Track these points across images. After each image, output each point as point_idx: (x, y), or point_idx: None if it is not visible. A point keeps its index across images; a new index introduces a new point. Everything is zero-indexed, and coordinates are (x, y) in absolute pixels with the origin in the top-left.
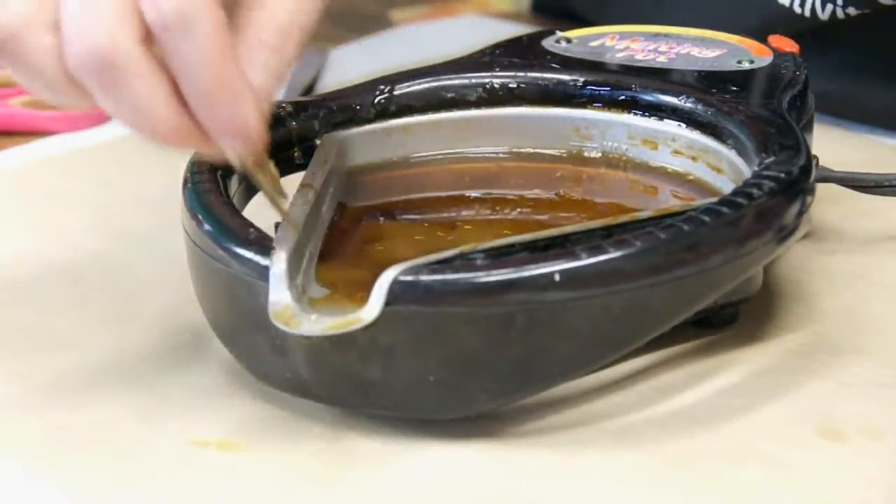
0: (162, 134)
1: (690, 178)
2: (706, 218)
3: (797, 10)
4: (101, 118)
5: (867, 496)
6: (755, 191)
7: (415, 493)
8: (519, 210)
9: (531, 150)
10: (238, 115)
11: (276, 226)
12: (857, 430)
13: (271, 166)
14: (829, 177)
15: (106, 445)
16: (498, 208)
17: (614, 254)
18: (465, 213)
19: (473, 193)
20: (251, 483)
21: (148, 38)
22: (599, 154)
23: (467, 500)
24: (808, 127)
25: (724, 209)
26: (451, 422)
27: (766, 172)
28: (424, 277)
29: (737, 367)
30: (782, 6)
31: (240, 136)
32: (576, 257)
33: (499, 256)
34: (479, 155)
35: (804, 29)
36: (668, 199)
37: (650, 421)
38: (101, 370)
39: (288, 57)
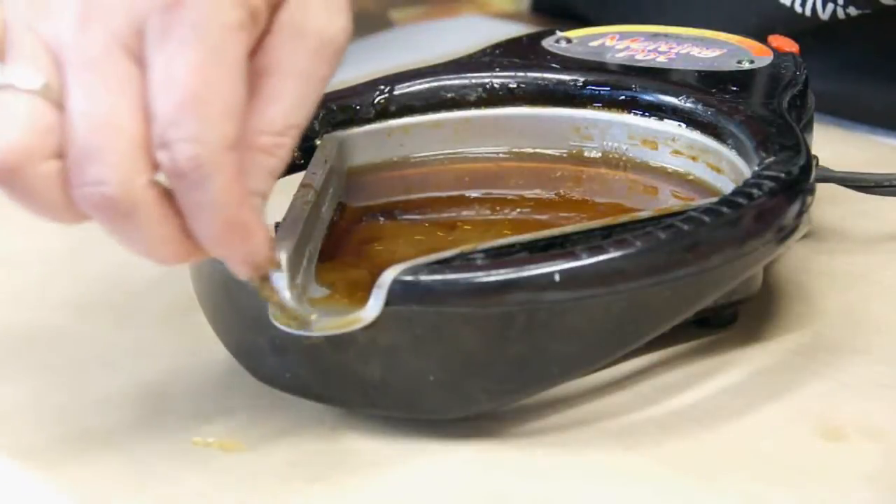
0: (167, 262)
1: (690, 178)
2: (706, 218)
3: (798, 9)
4: None
5: (867, 496)
6: (755, 191)
7: (415, 493)
8: (519, 210)
9: (531, 150)
10: (248, 252)
11: (276, 226)
12: (857, 430)
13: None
14: (829, 177)
15: (106, 445)
16: (498, 208)
17: (614, 254)
18: (465, 213)
19: (473, 193)
20: (252, 483)
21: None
22: (599, 154)
23: (467, 500)
24: (808, 127)
25: (724, 209)
26: (451, 422)
27: (766, 172)
28: (424, 277)
29: (737, 367)
30: (783, 5)
31: (248, 267)
32: (576, 257)
33: (499, 256)
34: (479, 155)
35: (805, 28)
36: (668, 199)
37: (650, 421)
38: (101, 370)
39: (285, 153)
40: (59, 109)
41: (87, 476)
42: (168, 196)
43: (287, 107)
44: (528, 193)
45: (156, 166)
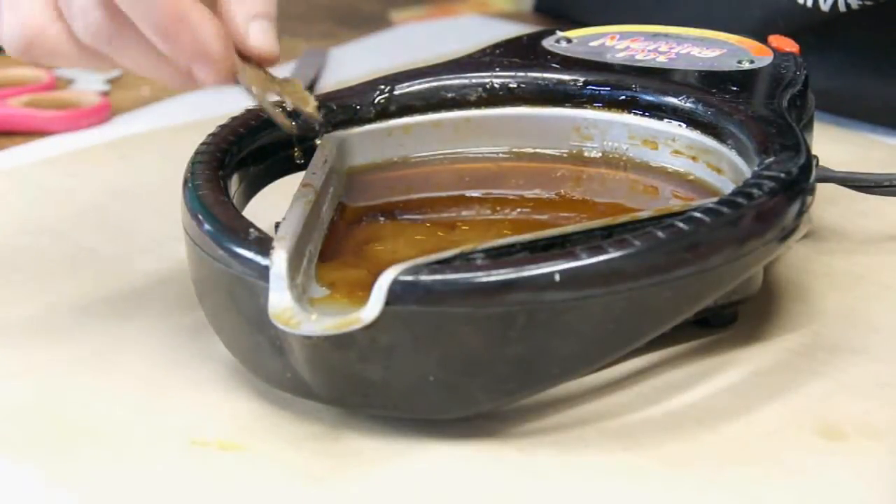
0: (170, 82)
1: (690, 178)
2: (706, 218)
3: (800, 1)
4: (101, 118)
5: (867, 496)
6: (755, 191)
7: (415, 493)
8: (519, 210)
9: (531, 150)
10: (200, 43)
11: (276, 226)
12: (857, 430)
13: (265, 77)
14: (829, 177)
15: (106, 445)
16: (498, 208)
17: (614, 254)
18: (465, 213)
19: (473, 193)
20: (251, 483)
21: None
22: (599, 154)
23: (467, 500)
24: (809, 127)
25: (725, 209)
26: (451, 422)
27: (766, 172)
28: (424, 277)
29: (737, 367)
30: None
31: (207, 60)
32: (576, 257)
33: (499, 256)
34: (480, 155)
35: (806, 22)
36: (668, 199)
37: (650, 421)
38: (100, 370)
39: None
40: None
41: (87, 475)
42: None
43: None
44: (528, 193)
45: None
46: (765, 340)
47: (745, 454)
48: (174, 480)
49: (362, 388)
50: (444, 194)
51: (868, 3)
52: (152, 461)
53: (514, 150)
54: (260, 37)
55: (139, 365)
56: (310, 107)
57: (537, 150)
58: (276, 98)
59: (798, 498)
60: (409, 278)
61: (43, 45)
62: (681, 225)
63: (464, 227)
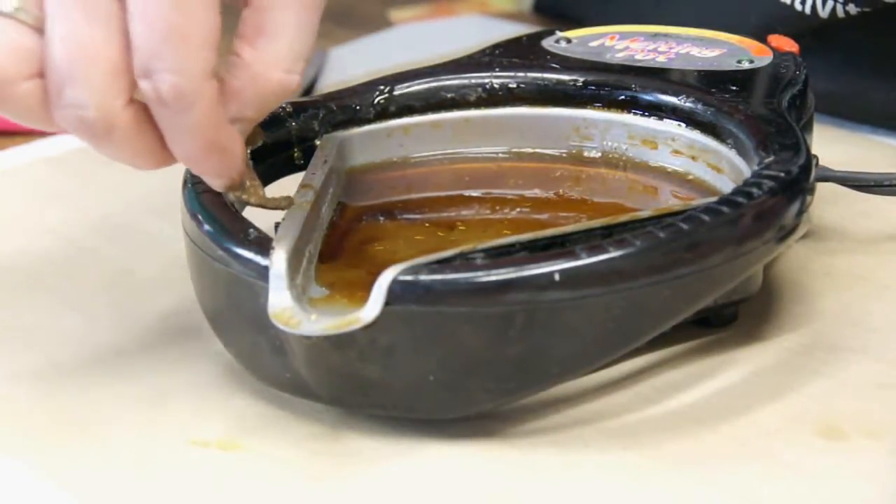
0: (141, 167)
1: (690, 177)
2: (706, 217)
3: (798, 7)
4: None
5: (867, 496)
6: (755, 190)
7: (415, 493)
8: (518, 210)
9: (531, 150)
10: (224, 168)
11: (276, 226)
12: (857, 430)
13: (250, 182)
14: (829, 176)
15: (106, 445)
16: (497, 208)
17: (614, 253)
18: (464, 212)
19: (473, 193)
20: (251, 483)
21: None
22: (599, 154)
23: (467, 500)
24: (808, 126)
25: (724, 208)
26: (451, 422)
27: (766, 172)
28: (424, 277)
29: (737, 367)
30: (783, 4)
31: (224, 181)
32: (576, 257)
33: (499, 256)
34: (479, 155)
35: (804, 27)
36: (668, 199)
37: (650, 421)
38: (100, 370)
39: (292, 93)
40: (37, 33)
41: (87, 475)
42: (145, 111)
43: (291, 39)
44: (527, 193)
45: (133, 89)
46: (765, 340)
47: (745, 454)
48: (174, 480)
49: (362, 387)
50: (443, 194)
51: (866, 9)
52: (152, 461)
53: (514, 150)
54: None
55: (139, 365)
56: (263, 199)
57: (537, 150)
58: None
59: (798, 498)
60: (409, 278)
61: (3, 100)
62: (681, 224)
63: (463, 227)
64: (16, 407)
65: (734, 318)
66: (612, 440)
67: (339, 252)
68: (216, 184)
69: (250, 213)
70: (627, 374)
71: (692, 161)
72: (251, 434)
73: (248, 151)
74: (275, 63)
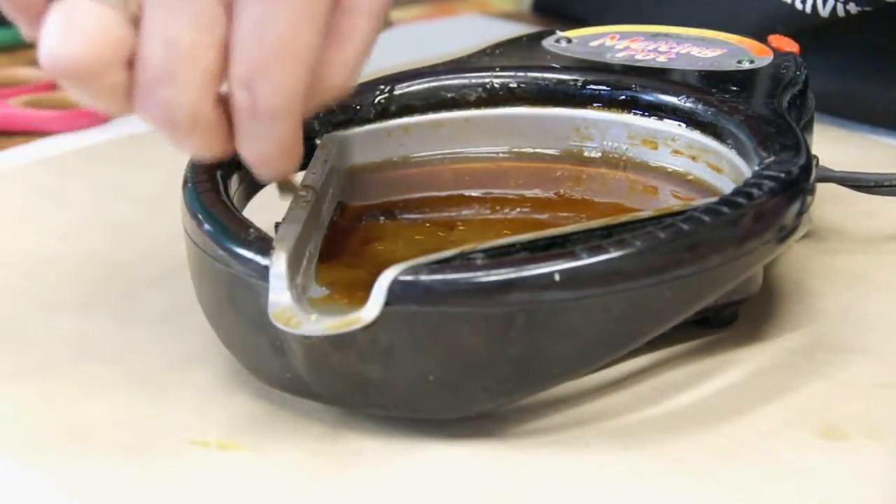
0: (195, 153)
1: (690, 177)
2: (706, 218)
3: (798, 6)
4: (101, 118)
5: (867, 496)
6: (755, 190)
7: (415, 493)
8: (518, 209)
9: (531, 150)
10: (283, 171)
11: (276, 226)
12: (857, 430)
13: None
14: (829, 177)
15: (106, 445)
16: (498, 208)
17: (614, 254)
18: (465, 212)
19: (473, 193)
20: (251, 483)
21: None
22: (599, 154)
23: (467, 500)
24: (809, 127)
25: (725, 209)
26: (451, 422)
27: (766, 172)
28: (424, 277)
29: (737, 367)
30: (783, 3)
31: (270, 171)
32: (576, 257)
33: (499, 256)
34: (480, 155)
35: (805, 26)
36: (668, 199)
37: (650, 421)
38: (100, 370)
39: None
40: (130, 24)
41: (87, 475)
42: (227, 109)
43: (360, 44)
44: (528, 193)
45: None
46: (765, 340)
47: (745, 454)
48: (174, 481)
49: (362, 387)
50: (443, 194)
51: (867, 8)
52: (152, 461)
53: (514, 149)
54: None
55: (139, 365)
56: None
57: (537, 150)
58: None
59: (798, 498)
60: (409, 278)
61: (91, 87)
62: (681, 225)
63: (463, 227)
64: (16, 407)
65: (734, 319)
66: (611, 440)
67: (339, 252)
68: (268, 177)
69: (250, 213)
70: (627, 374)
71: (692, 161)
72: (251, 434)
73: None
74: (342, 62)
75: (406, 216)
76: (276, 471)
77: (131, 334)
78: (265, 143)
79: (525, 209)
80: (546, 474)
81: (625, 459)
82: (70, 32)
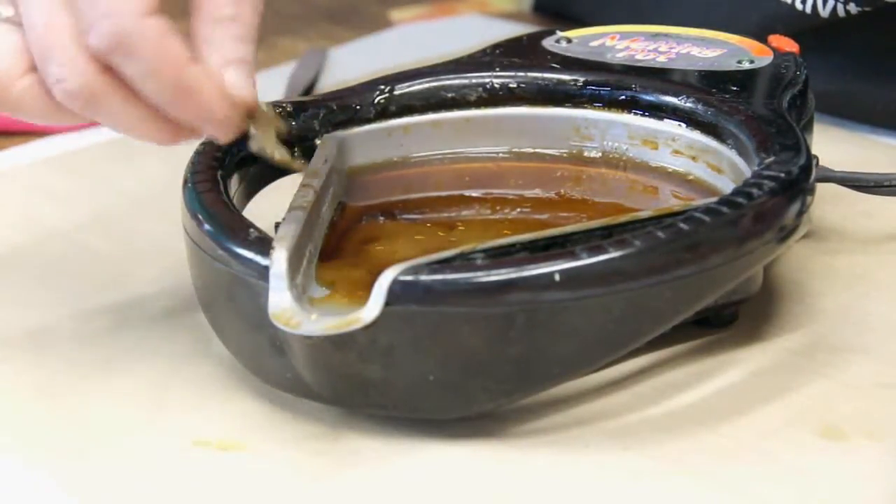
0: (155, 139)
1: (690, 178)
2: (706, 218)
3: (798, 6)
4: None
5: (867, 495)
6: (755, 190)
7: (415, 493)
8: (519, 210)
9: (531, 150)
10: (204, 107)
11: (276, 226)
12: (857, 430)
13: (269, 119)
14: (829, 177)
15: (107, 446)
16: (498, 208)
17: (614, 254)
18: (465, 212)
19: (473, 193)
20: (252, 482)
21: None
22: (599, 154)
23: (467, 500)
24: (808, 127)
25: (725, 209)
26: (451, 422)
27: (766, 172)
28: (424, 277)
29: (737, 367)
30: (783, 3)
31: (215, 122)
32: (576, 257)
33: (499, 256)
34: (479, 155)
35: (805, 27)
36: (668, 199)
37: (650, 421)
38: (100, 370)
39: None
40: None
41: (87, 475)
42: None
43: (240, 30)
44: (528, 193)
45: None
46: (765, 340)
47: (745, 454)
48: (175, 480)
49: (362, 387)
50: (443, 194)
51: (867, 8)
52: (153, 461)
53: (514, 149)
54: (236, 82)
55: (140, 365)
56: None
57: (537, 150)
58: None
59: (798, 498)
60: (409, 278)
61: (11, 100)
62: (681, 225)
63: (463, 228)
64: (16, 407)
65: (734, 319)
66: (611, 440)
67: (339, 252)
68: (215, 131)
69: (250, 213)
70: (627, 375)
71: (692, 161)
72: (251, 434)
73: (268, 106)
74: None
75: (406, 216)
76: (276, 471)
77: (131, 334)
78: (150, 82)
79: (525, 209)
80: (546, 474)
81: (624, 459)
82: None
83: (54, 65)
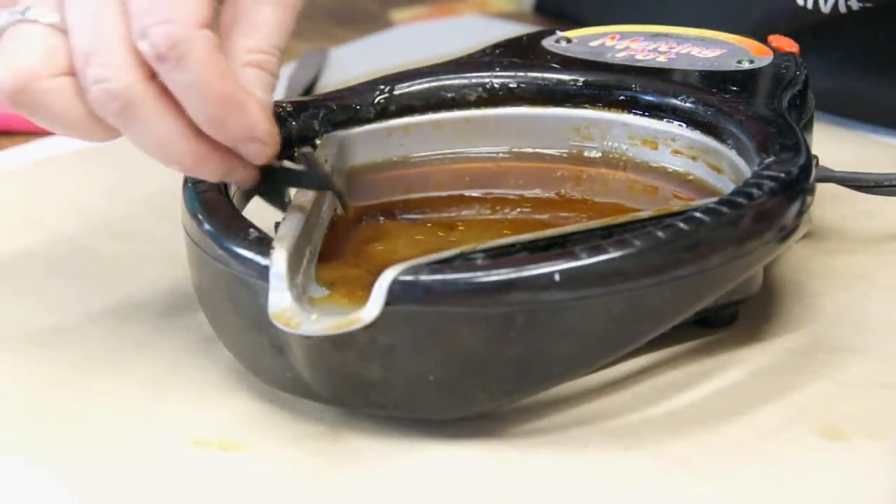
0: (184, 163)
1: (690, 178)
2: (706, 218)
3: (799, 2)
4: None
5: (867, 495)
6: (755, 191)
7: (415, 493)
8: (518, 210)
9: (531, 150)
10: (248, 123)
11: (276, 226)
12: (857, 430)
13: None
14: (829, 177)
15: (106, 445)
16: (497, 208)
17: (614, 254)
18: (465, 212)
19: (473, 193)
20: (252, 482)
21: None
22: (599, 154)
23: (467, 500)
24: (808, 126)
25: (724, 209)
26: (451, 422)
27: (766, 172)
28: (424, 277)
29: (737, 367)
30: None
31: (255, 140)
32: (576, 257)
33: (499, 256)
34: (480, 155)
35: (806, 23)
36: (669, 200)
37: (650, 421)
38: (101, 370)
39: (275, 69)
40: (62, 34)
41: (87, 474)
42: (167, 93)
43: (269, 30)
44: (528, 193)
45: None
46: (765, 340)
47: (745, 454)
48: (175, 480)
49: (363, 387)
50: (443, 194)
51: (869, 4)
52: (153, 461)
53: (514, 150)
54: (251, 83)
55: (139, 365)
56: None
57: (537, 150)
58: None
59: (798, 498)
60: (409, 278)
61: (37, 99)
62: (681, 225)
63: (463, 228)
64: (16, 407)
65: (734, 319)
66: (611, 440)
67: (339, 252)
68: (254, 151)
69: (250, 214)
70: (627, 375)
71: (692, 161)
72: (251, 434)
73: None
74: (252, 47)
75: (406, 216)
76: (277, 471)
77: (131, 334)
78: (194, 93)
79: (525, 209)
80: (546, 474)
81: (624, 459)
82: (8, 55)
83: (98, 65)
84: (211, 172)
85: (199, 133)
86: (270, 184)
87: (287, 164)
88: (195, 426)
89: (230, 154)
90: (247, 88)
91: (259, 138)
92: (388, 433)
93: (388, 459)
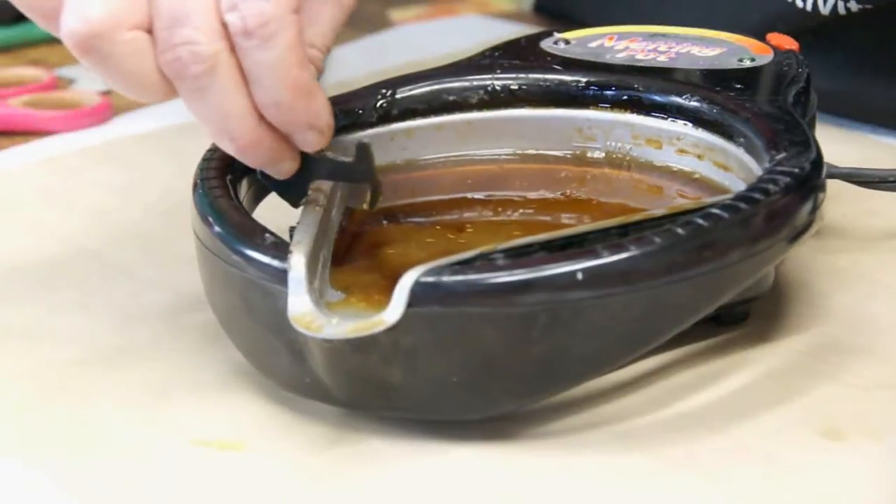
0: (239, 141)
1: (696, 176)
2: (724, 214)
3: (799, 4)
4: (101, 118)
5: (868, 495)
6: (771, 186)
7: (418, 494)
8: (522, 211)
9: (534, 152)
10: (314, 111)
11: (291, 230)
12: (860, 431)
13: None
14: (834, 173)
15: (107, 445)
16: (501, 210)
17: (635, 251)
18: (469, 215)
19: (478, 195)
20: (253, 483)
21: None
22: (603, 154)
23: (474, 500)
24: (812, 124)
25: (742, 205)
26: (454, 423)
27: (779, 168)
28: (446, 278)
29: (747, 368)
30: (784, 1)
31: (314, 129)
32: (598, 255)
33: (518, 256)
34: (483, 157)
35: (805, 25)
36: (674, 198)
37: (660, 423)
38: (101, 370)
39: (321, 66)
40: None
41: (87, 474)
42: (240, 69)
43: (325, 28)
44: (532, 195)
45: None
46: (773, 341)
47: (748, 454)
48: (175, 480)
49: (384, 391)
50: (447, 197)
51: (868, 6)
52: (153, 461)
53: (518, 151)
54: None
55: (140, 366)
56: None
57: (540, 152)
58: None
59: (800, 498)
60: (431, 279)
61: (111, 49)
62: (700, 221)
63: (471, 230)
64: (15, 407)
65: (745, 317)
66: (617, 441)
67: (349, 256)
68: (309, 138)
69: (259, 216)
70: (636, 376)
71: (698, 160)
72: (252, 434)
73: None
74: (307, 41)
75: (412, 219)
76: (277, 471)
77: (132, 334)
78: (270, 74)
79: (529, 210)
80: (551, 475)
81: (634, 461)
82: (84, 2)
83: (189, 27)
84: (259, 157)
85: (261, 115)
86: (301, 175)
87: (330, 154)
88: (195, 426)
89: (283, 142)
90: (317, 83)
91: (320, 127)
92: (390, 434)
93: (390, 460)
